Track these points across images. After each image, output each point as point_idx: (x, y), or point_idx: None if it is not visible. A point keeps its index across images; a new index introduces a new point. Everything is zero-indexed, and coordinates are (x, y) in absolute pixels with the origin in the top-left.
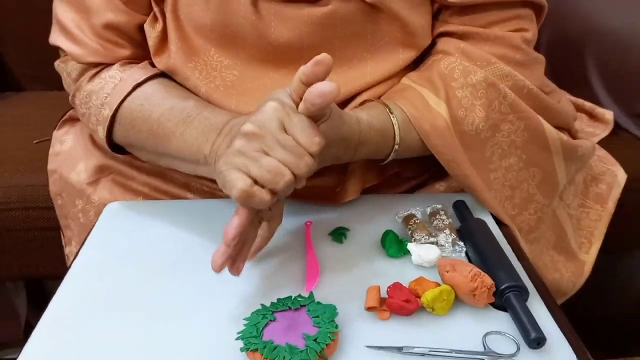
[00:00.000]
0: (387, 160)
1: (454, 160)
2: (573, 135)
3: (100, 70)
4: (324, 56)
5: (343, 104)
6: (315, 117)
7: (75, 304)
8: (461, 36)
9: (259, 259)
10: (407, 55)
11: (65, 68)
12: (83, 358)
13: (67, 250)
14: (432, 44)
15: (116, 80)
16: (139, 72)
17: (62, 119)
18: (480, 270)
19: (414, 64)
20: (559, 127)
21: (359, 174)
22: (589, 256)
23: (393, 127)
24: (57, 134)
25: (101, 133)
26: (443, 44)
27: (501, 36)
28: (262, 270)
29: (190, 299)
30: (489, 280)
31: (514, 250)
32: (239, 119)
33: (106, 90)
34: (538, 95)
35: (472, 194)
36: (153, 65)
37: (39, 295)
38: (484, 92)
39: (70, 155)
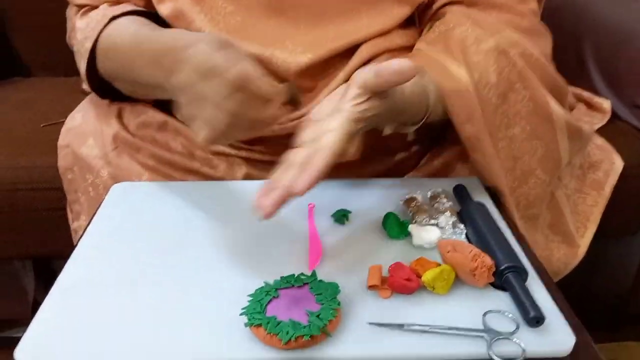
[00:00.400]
0: (412, 129)
1: (469, 121)
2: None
3: (89, 10)
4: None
5: (345, 55)
6: (377, 93)
7: (81, 279)
8: (469, 4)
9: (263, 239)
10: (401, 11)
11: (68, 13)
12: (89, 333)
13: (75, 225)
14: (435, 13)
15: (99, 16)
16: (119, 8)
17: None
18: (480, 251)
19: (409, 22)
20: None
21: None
22: (584, 240)
23: (428, 94)
24: (71, 114)
25: (82, 67)
26: (452, 13)
27: (507, 4)
28: (266, 250)
29: (196, 276)
30: (488, 261)
31: (512, 232)
32: (182, 46)
33: (90, 25)
34: (545, 65)
35: (478, 163)
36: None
37: (47, 273)
38: (495, 59)
39: (81, 130)
